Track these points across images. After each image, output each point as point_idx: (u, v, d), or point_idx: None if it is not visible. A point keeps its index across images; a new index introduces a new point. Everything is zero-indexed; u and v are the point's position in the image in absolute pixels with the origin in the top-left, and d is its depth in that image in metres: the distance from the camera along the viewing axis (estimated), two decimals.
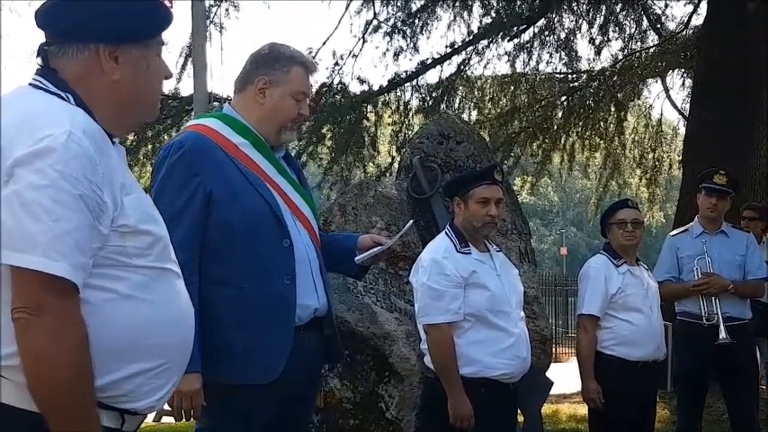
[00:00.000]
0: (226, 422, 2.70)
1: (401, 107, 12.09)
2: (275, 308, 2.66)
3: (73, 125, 1.63)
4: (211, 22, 10.64)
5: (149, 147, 11.32)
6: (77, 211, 1.59)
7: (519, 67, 12.61)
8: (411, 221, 3.27)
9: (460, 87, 12.76)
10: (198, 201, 2.62)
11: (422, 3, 11.64)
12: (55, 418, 1.57)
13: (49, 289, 1.56)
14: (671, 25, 13.09)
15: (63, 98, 1.73)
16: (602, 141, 13.76)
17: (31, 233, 1.56)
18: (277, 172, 2.82)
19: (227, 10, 11.22)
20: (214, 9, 10.96)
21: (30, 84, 1.77)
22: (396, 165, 9.79)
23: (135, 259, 1.70)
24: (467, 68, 12.27)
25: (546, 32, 12.43)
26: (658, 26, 12.99)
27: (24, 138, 1.59)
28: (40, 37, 1.83)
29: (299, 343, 2.69)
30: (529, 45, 12.43)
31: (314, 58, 10.86)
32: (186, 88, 11.02)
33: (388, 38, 11.55)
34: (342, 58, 11.41)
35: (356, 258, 2.92)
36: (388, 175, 11.43)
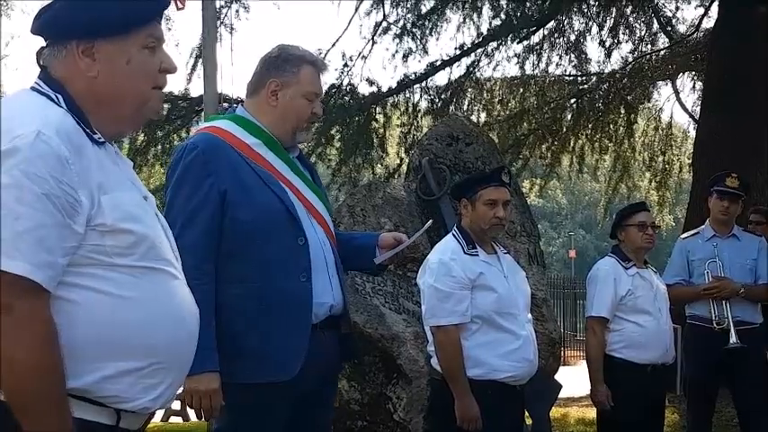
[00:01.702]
0: (243, 422, 2.70)
1: (410, 109, 12.08)
2: (291, 305, 2.67)
3: (44, 125, 1.63)
4: (222, 23, 10.66)
5: (159, 147, 11.31)
6: (41, 209, 1.59)
7: (528, 69, 12.59)
8: (431, 221, 3.28)
9: (470, 89, 12.74)
10: (212, 201, 2.64)
11: (431, 5, 11.63)
12: (22, 415, 1.58)
13: (12, 287, 1.56)
14: (681, 28, 13.07)
15: (53, 99, 1.73)
16: (611, 144, 13.71)
17: None
18: (291, 171, 2.84)
19: (237, 11, 11.23)
20: (224, 10, 10.98)
21: (30, 86, 1.79)
22: (404, 166, 9.78)
23: (116, 258, 1.69)
24: (476, 70, 12.26)
25: (556, 34, 12.40)
26: (669, 28, 12.94)
27: (0, 139, 1.61)
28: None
29: (316, 341, 2.70)
30: (538, 47, 12.41)
31: (323, 59, 10.85)
32: (196, 89, 11.04)
33: (397, 39, 11.55)
34: (351, 60, 11.42)
35: (376, 258, 2.93)
36: (396, 176, 11.43)
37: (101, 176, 1.70)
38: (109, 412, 1.70)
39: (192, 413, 9.67)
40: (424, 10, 11.61)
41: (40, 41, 1.83)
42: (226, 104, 8.09)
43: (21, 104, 1.71)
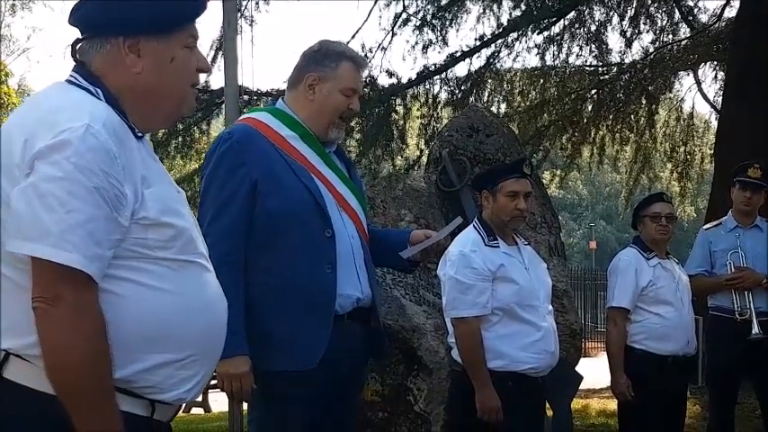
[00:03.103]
0: (269, 409, 2.76)
1: (430, 100, 12.04)
2: (315, 295, 2.71)
3: (92, 118, 1.65)
4: (242, 15, 10.67)
5: (180, 139, 11.38)
6: (91, 202, 1.60)
7: (549, 59, 12.50)
8: (459, 218, 3.30)
9: (490, 80, 12.68)
10: (243, 190, 2.70)
11: None
12: (72, 406, 1.59)
13: (64, 279, 1.58)
14: (703, 17, 12.92)
15: (92, 93, 1.75)
16: (632, 135, 13.61)
17: (45, 224, 1.58)
18: (325, 164, 2.88)
19: (257, 3, 11.25)
20: (245, 2, 10.99)
21: (66, 79, 1.80)
22: (424, 158, 9.77)
23: (157, 251, 1.71)
24: (496, 61, 12.19)
25: (576, 25, 12.32)
26: (690, 18, 12.82)
27: (45, 132, 1.62)
28: (75, 32, 1.85)
29: (342, 331, 2.74)
30: (559, 38, 12.32)
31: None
32: (217, 81, 11.07)
33: (417, 31, 11.51)
34: (371, 51, 11.38)
35: (403, 252, 2.95)
36: (416, 168, 11.41)
37: (143, 170, 1.73)
38: (144, 404, 1.71)
39: (212, 402, 9.81)
40: (444, 1, 11.58)
41: (62, 35, 1.84)
42: (246, 97, 8.12)
43: (64, 98, 1.72)
